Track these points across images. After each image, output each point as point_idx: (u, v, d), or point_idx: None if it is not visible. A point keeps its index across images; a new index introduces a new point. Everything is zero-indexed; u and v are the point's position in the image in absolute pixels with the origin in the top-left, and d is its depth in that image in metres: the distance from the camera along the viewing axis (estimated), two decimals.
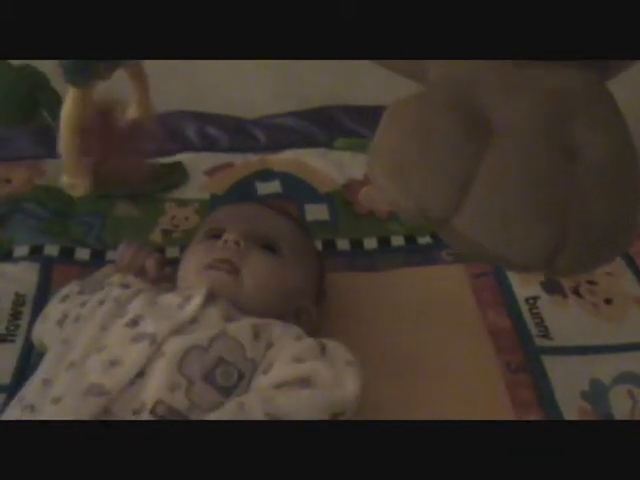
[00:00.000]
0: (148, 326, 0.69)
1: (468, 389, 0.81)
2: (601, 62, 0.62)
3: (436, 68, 0.65)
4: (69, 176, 1.04)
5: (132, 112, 1.08)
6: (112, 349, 0.67)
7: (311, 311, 0.81)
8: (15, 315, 0.87)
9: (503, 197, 0.58)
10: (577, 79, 0.61)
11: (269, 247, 0.79)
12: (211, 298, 0.73)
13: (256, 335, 0.71)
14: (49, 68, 1.05)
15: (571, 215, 0.58)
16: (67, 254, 0.98)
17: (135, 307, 0.72)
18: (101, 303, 0.74)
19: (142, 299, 0.73)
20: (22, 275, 0.93)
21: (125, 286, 0.78)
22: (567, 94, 0.61)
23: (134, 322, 0.70)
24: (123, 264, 0.85)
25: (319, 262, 0.87)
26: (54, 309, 0.81)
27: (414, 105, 0.62)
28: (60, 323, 0.77)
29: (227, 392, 0.66)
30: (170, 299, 0.73)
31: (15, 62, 1.14)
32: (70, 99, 0.95)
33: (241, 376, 0.67)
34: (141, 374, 0.65)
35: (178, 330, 0.69)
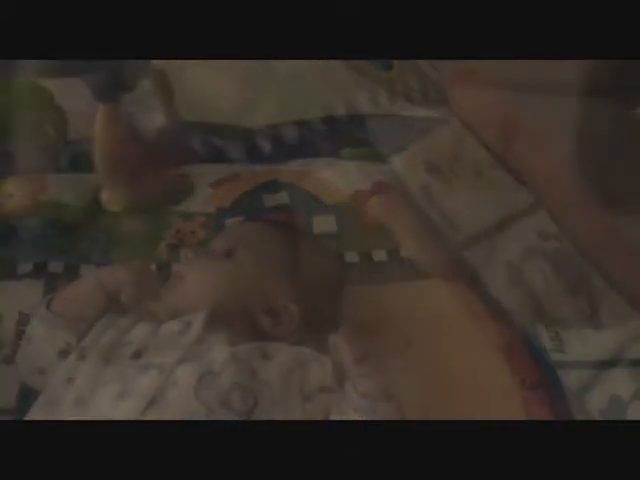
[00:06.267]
0: (154, 356, 0.68)
1: (482, 406, 0.79)
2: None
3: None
4: (106, 191, 1.03)
5: (159, 121, 1.07)
6: (119, 382, 0.66)
7: (291, 309, 0.78)
8: (19, 335, 0.85)
9: None
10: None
11: (228, 254, 0.81)
12: (211, 320, 0.72)
13: (265, 356, 0.70)
14: (53, 84, 1.04)
15: None
16: (72, 270, 0.96)
17: (137, 337, 0.71)
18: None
19: (142, 329, 0.72)
20: (26, 293, 0.92)
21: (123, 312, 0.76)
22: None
23: (138, 354, 0.69)
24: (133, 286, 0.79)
25: (288, 255, 0.83)
26: (55, 372, 0.73)
27: None
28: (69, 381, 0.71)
29: (246, 416, 0.65)
30: (171, 326, 0.73)
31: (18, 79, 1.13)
32: (101, 116, 0.94)
33: (257, 399, 0.66)
34: (151, 404, 0.64)
35: (185, 357, 0.68)
